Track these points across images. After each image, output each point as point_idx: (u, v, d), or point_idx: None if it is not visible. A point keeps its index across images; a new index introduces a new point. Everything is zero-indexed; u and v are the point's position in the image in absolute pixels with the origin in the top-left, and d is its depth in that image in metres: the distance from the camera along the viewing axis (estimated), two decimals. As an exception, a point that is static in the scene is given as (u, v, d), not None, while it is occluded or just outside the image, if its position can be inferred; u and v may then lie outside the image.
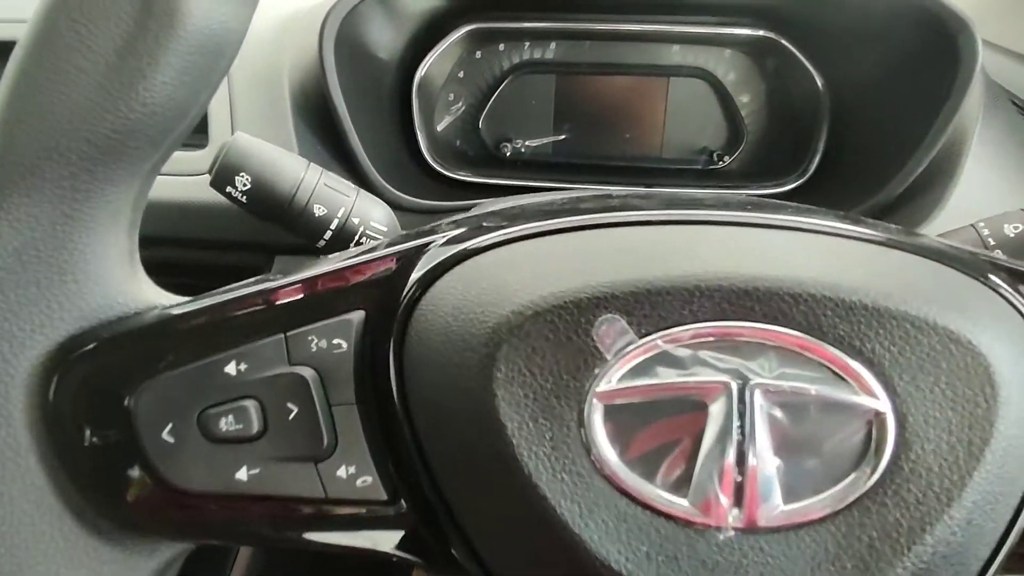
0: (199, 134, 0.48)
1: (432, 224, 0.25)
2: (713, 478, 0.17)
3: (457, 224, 0.23)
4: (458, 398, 0.18)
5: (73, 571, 0.20)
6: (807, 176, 0.52)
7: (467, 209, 0.52)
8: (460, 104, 0.60)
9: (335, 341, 0.21)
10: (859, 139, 0.49)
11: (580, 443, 0.17)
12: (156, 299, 0.22)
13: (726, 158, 0.57)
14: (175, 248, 0.47)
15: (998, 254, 0.31)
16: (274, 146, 0.33)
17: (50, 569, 0.19)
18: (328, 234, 0.34)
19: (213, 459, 0.20)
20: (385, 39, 0.51)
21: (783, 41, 0.53)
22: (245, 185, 0.31)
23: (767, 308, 0.17)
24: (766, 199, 0.25)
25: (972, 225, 0.32)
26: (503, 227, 0.22)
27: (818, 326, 0.17)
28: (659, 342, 0.17)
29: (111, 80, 0.18)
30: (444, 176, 0.55)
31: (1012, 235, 0.32)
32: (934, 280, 0.19)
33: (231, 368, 0.20)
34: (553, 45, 0.59)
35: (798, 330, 0.17)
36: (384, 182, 0.48)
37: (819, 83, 0.52)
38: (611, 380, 0.17)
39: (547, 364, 0.17)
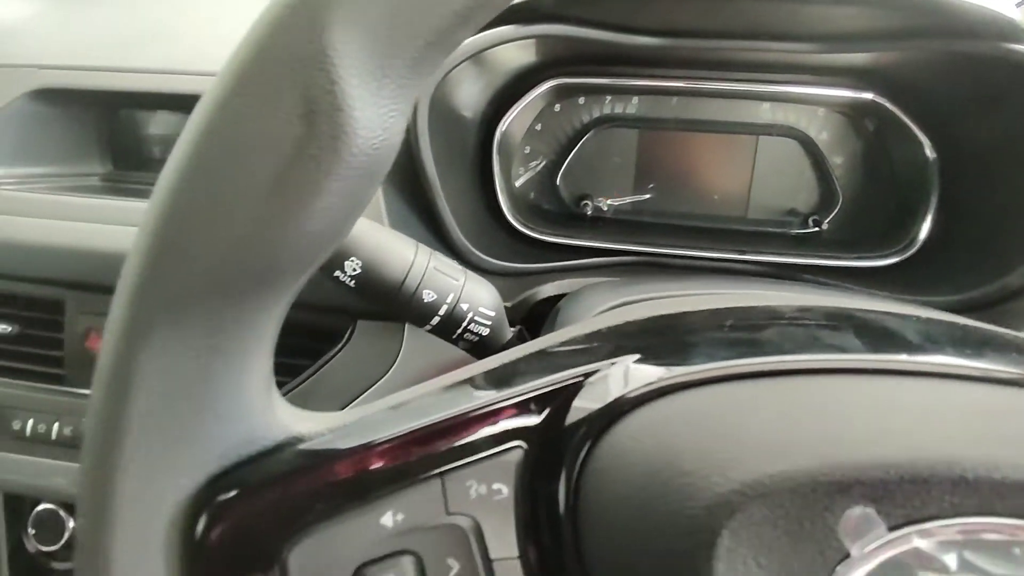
0: None
1: (584, 334, 0.23)
2: None
3: (617, 346, 0.21)
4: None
5: None
6: (915, 249, 0.49)
7: (554, 273, 0.50)
8: (538, 160, 0.58)
9: (495, 486, 0.19)
10: (977, 212, 0.46)
11: None
12: (293, 425, 0.20)
13: (824, 223, 0.54)
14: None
15: None
16: (381, 226, 0.31)
17: None
18: (436, 320, 0.32)
19: None
20: (472, 98, 0.50)
21: (888, 104, 0.50)
22: (355, 270, 0.30)
23: None
24: (970, 327, 0.22)
25: None
26: (678, 356, 0.20)
27: None
28: (915, 538, 0.15)
29: (269, 210, 0.16)
30: (525, 235, 0.53)
31: None
32: None
33: (387, 519, 0.18)
34: (636, 100, 0.57)
35: None
36: (470, 246, 0.47)
37: (927, 150, 0.49)
38: (862, 572, 0.15)
39: (777, 555, 0.15)
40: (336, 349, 0.44)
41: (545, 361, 0.21)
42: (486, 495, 0.19)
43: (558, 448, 0.19)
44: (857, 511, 0.15)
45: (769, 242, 0.53)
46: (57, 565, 0.57)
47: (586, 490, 0.18)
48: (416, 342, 0.44)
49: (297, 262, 0.18)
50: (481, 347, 0.33)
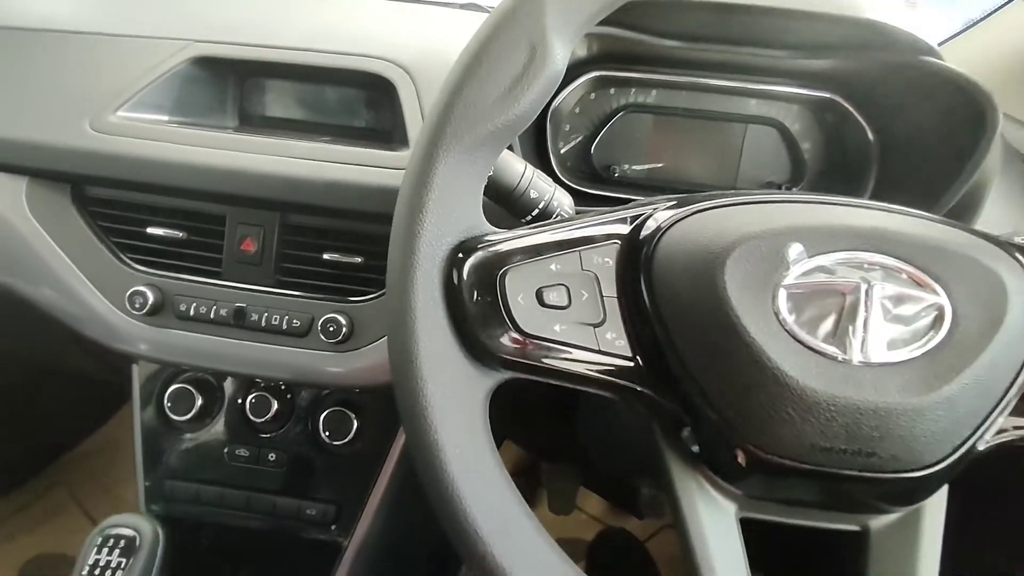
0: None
1: (644, 202, 0.39)
2: (855, 336, 0.30)
3: (667, 200, 0.37)
4: (698, 289, 0.32)
5: (454, 376, 0.33)
6: (859, 207, 0.66)
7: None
8: (576, 135, 0.75)
9: (605, 259, 0.35)
10: (902, 180, 0.64)
11: (775, 312, 0.31)
12: (489, 228, 0.36)
13: (793, 191, 0.71)
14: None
15: None
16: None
17: (444, 371, 0.33)
18: (536, 211, 0.47)
19: (543, 317, 0.33)
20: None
21: (842, 101, 0.67)
22: (491, 171, 0.46)
23: (885, 246, 0.31)
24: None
25: None
26: (703, 204, 0.36)
27: (916, 259, 0.31)
28: (821, 261, 0.31)
29: (507, 96, 0.32)
30: (570, 188, 0.69)
31: None
32: (976, 241, 0.32)
33: (553, 266, 0.34)
34: (654, 92, 0.74)
35: (901, 260, 0.31)
36: None
37: (870, 135, 0.67)
38: (793, 275, 0.31)
39: (756, 265, 0.31)
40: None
41: (623, 207, 0.38)
42: (601, 263, 0.35)
43: (638, 244, 0.35)
44: (795, 245, 0.31)
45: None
46: (185, 433, 0.71)
47: (655, 260, 0.34)
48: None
49: (512, 127, 0.34)
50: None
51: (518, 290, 0.33)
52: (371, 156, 0.61)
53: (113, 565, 0.47)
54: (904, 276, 0.31)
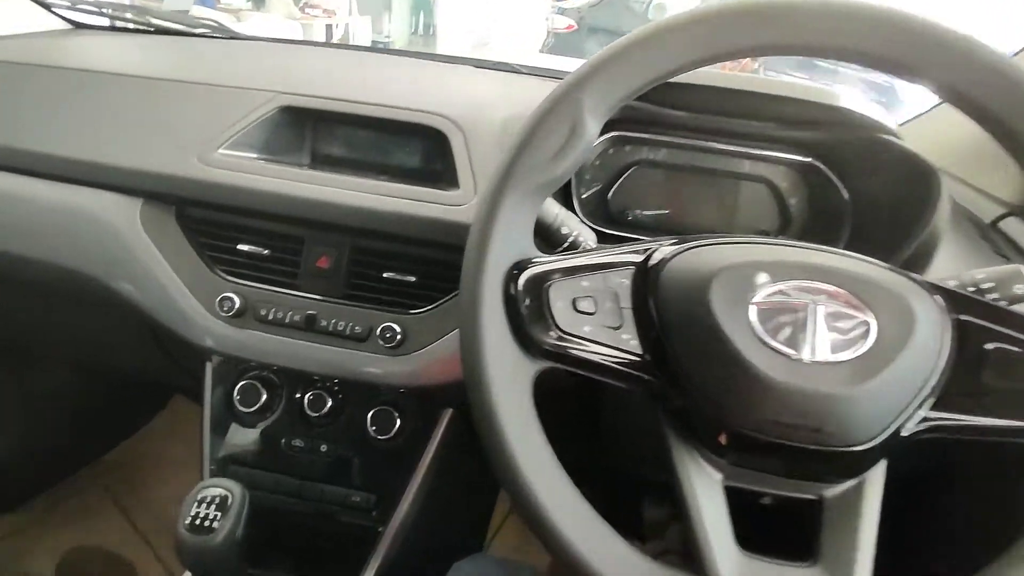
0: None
1: (653, 240, 0.51)
2: (806, 341, 0.42)
3: (670, 239, 0.49)
4: (691, 304, 0.43)
5: (509, 359, 0.44)
6: (836, 253, 0.78)
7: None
8: (596, 184, 0.88)
9: (623, 280, 0.47)
10: (870, 233, 0.76)
11: (747, 322, 0.42)
12: (538, 253, 0.48)
13: (780, 237, 0.83)
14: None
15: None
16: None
17: (502, 354, 0.44)
18: (566, 244, 0.59)
19: (576, 320, 0.45)
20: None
21: (821, 166, 0.80)
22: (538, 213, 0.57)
23: (828, 278, 0.43)
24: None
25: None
26: (696, 242, 0.48)
27: (851, 288, 0.42)
28: (781, 286, 0.43)
29: (552, 161, 0.45)
30: (590, 227, 0.81)
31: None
32: (897, 278, 0.44)
33: (584, 283, 0.46)
34: (663, 151, 0.87)
35: (839, 288, 0.42)
36: None
37: (844, 195, 0.79)
38: (761, 296, 0.43)
39: (734, 287, 0.43)
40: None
41: (637, 242, 0.50)
42: (619, 283, 0.46)
43: (647, 269, 0.47)
44: (762, 274, 0.43)
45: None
46: (248, 424, 0.81)
47: (660, 282, 0.46)
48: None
49: (555, 182, 0.46)
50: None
51: (557, 298, 0.45)
52: (426, 194, 0.73)
53: (211, 517, 0.57)
54: (841, 300, 0.43)
